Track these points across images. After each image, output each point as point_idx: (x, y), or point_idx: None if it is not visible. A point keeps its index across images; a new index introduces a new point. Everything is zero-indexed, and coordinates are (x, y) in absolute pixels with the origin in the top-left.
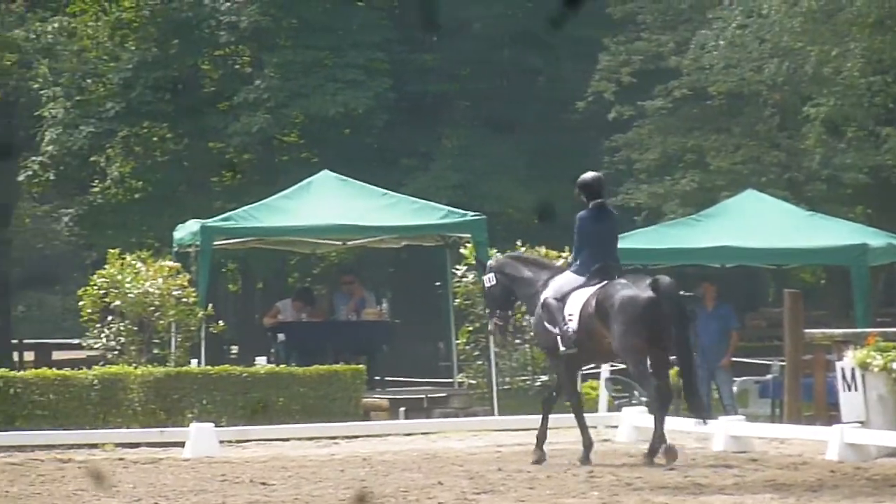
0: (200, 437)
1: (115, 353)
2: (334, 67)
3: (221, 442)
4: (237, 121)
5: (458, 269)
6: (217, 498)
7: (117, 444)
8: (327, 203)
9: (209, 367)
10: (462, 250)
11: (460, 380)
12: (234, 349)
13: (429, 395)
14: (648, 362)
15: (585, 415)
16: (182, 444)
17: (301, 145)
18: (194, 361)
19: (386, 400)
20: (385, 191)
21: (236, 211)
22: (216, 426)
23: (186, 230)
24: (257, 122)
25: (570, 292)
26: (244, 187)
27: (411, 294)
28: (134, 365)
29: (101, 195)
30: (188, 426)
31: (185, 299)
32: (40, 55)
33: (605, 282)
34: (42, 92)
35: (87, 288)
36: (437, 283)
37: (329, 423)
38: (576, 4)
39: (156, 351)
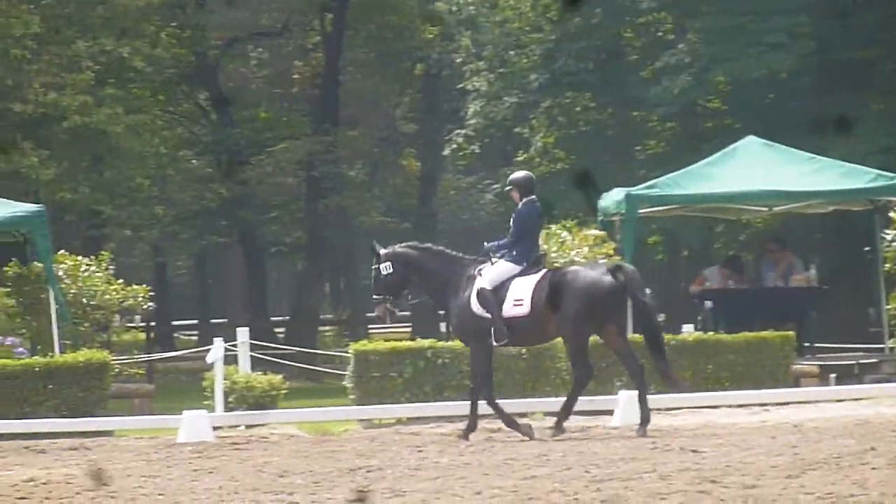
0: (629, 405)
1: None
2: (757, 32)
3: (651, 409)
4: (659, 84)
5: (887, 234)
6: (647, 465)
7: (546, 413)
8: (753, 169)
9: (636, 336)
10: (892, 214)
11: (891, 345)
12: (661, 317)
13: (859, 361)
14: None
15: None
16: (611, 412)
17: (724, 112)
18: None
19: (816, 366)
20: (811, 155)
21: (660, 179)
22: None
23: (611, 199)
24: (679, 84)
25: (507, 281)
26: (667, 156)
27: (839, 259)
28: None
29: (525, 166)
30: (616, 394)
31: None
32: (463, 27)
33: (546, 269)
34: (465, 67)
35: None
36: (866, 248)
37: (758, 389)
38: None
39: None
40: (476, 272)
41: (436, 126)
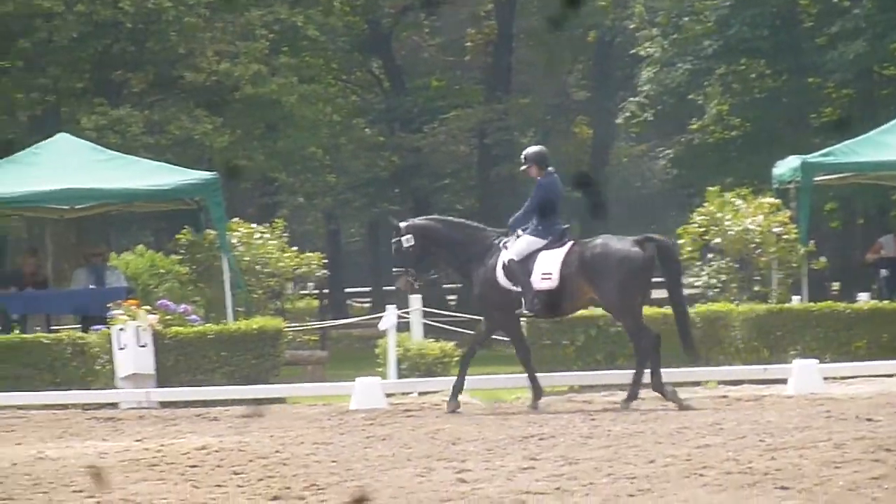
0: (804, 374)
1: (716, 290)
2: None
3: (825, 378)
4: (834, 50)
5: None
6: (822, 434)
7: (720, 382)
8: None
9: (811, 304)
10: None
11: None
12: (835, 285)
13: None
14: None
15: None
16: (785, 381)
17: None
18: (796, 298)
19: None
20: None
21: (837, 146)
22: (820, 363)
23: (786, 166)
24: (854, 49)
25: (534, 253)
26: (843, 123)
27: None
28: (735, 302)
29: (699, 134)
30: (791, 363)
31: (785, 236)
32: None
33: (573, 243)
34: (639, 33)
35: (687, 226)
36: None
37: None
38: (576, 4)
39: (756, 288)
40: (501, 244)
41: (608, 93)
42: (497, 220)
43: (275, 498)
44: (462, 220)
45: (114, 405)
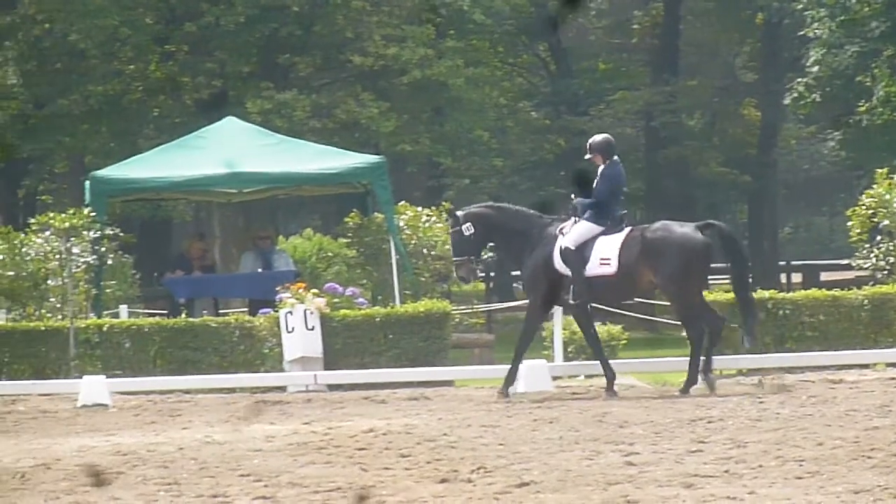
0: None
1: (885, 272)
2: None
3: None
4: None
5: None
6: None
7: (888, 364)
8: None
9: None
10: None
11: None
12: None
13: None
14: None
15: None
16: None
17: None
18: None
19: None
20: None
21: None
22: None
23: None
24: None
25: (591, 240)
26: None
27: None
28: None
29: (868, 116)
30: None
31: None
32: None
33: (630, 228)
34: (806, 13)
35: (856, 208)
36: None
37: None
38: (575, 3)
39: None
40: (557, 231)
41: (776, 75)
42: (664, 202)
43: (442, 480)
44: (517, 207)
45: (281, 388)
